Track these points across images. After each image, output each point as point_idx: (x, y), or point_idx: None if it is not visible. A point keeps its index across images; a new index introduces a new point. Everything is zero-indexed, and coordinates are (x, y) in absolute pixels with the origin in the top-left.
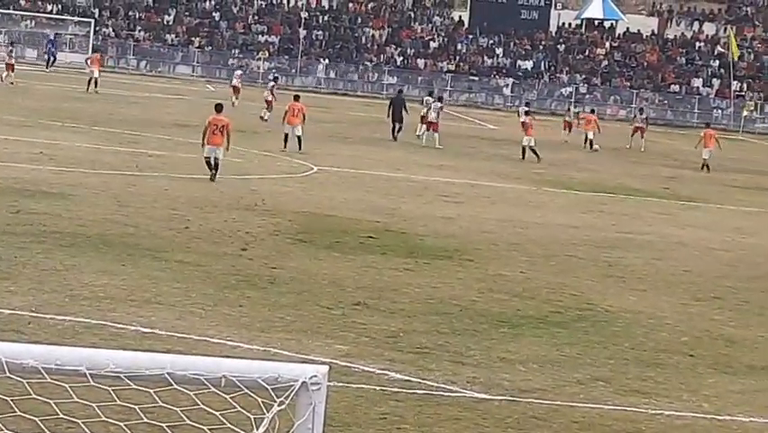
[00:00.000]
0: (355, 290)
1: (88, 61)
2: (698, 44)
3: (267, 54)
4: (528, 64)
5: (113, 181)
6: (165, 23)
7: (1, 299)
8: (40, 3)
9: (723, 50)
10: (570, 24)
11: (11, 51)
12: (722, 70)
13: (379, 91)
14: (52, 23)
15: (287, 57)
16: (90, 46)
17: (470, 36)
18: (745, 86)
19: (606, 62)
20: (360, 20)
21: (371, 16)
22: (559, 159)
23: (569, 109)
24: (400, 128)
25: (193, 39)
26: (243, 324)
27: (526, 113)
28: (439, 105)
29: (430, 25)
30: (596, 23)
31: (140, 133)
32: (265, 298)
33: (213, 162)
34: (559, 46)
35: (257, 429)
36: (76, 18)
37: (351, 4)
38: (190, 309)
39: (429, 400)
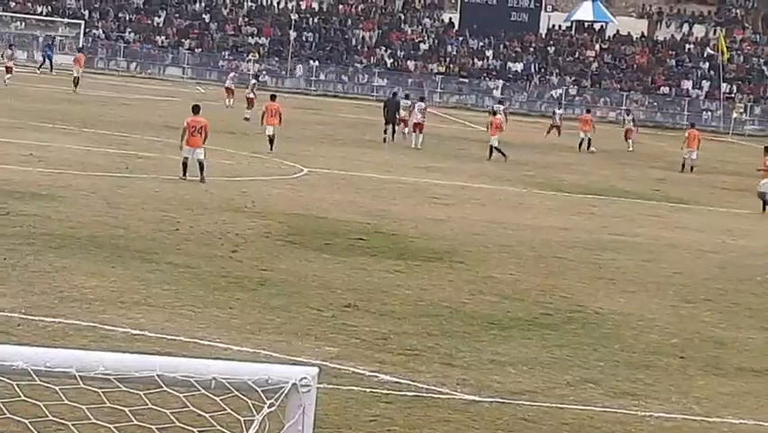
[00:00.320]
0: (345, 291)
1: (74, 61)
2: (687, 46)
3: (257, 56)
4: (518, 66)
5: (103, 183)
6: (155, 24)
7: None
8: (30, 4)
9: (713, 53)
10: (560, 26)
11: (11, 54)
12: (712, 72)
13: (369, 93)
14: (42, 24)
15: (277, 58)
16: (81, 47)
17: (461, 38)
18: (734, 88)
19: (596, 64)
20: (350, 22)
21: (361, 18)
22: (549, 161)
23: (554, 112)
24: (394, 130)
25: (183, 41)
26: (233, 326)
27: (494, 113)
28: (423, 105)
29: (420, 27)
30: (586, 25)
31: (130, 134)
32: (255, 299)
33: (198, 164)
34: (549, 48)
35: (247, 431)
36: (66, 20)
37: (341, 6)
38: (180, 311)
39: (419, 402)
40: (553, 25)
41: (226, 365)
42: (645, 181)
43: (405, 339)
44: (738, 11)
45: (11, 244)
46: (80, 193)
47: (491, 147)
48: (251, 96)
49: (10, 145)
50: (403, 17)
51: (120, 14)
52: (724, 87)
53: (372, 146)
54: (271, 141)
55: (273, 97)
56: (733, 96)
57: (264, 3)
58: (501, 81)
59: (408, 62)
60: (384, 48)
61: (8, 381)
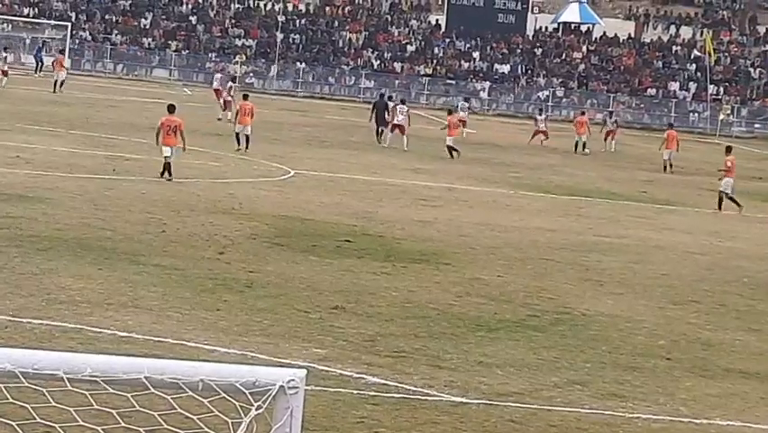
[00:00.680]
0: (332, 293)
1: (54, 63)
2: (674, 48)
3: (245, 58)
4: (505, 68)
5: (90, 185)
6: (142, 26)
7: None
8: (16, 6)
9: (699, 54)
10: (546, 28)
11: (5, 58)
12: (699, 74)
13: (356, 95)
14: (29, 27)
15: (264, 60)
16: (67, 49)
17: (447, 40)
18: (721, 89)
19: (582, 66)
20: (337, 23)
21: (348, 20)
22: (536, 162)
23: (536, 118)
24: (383, 131)
25: (170, 42)
26: (221, 328)
27: (450, 112)
28: (405, 107)
29: (407, 29)
30: (573, 26)
31: (117, 136)
32: (242, 301)
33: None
34: (536, 50)
35: None
36: (53, 22)
37: (328, 8)
38: (167, 313)
39: (406, 403)
40: (540, 27)
41: (214, 367)
42: (632, 183)
43: (392, 341)
44: (725, 12)
45: None
46: (67, 195)
47: (449, 147)
48: (229, 98)
49: None
50: (390, 19)
51: (107, 16)
52: (711, 88)
53: (359, 148)
54: (247, 140)
55: (246, 97)
56: (720, 97)
57: (251, 4)
58: (488, 83)
59: (395, 64)
60: (371, 49)
61: None
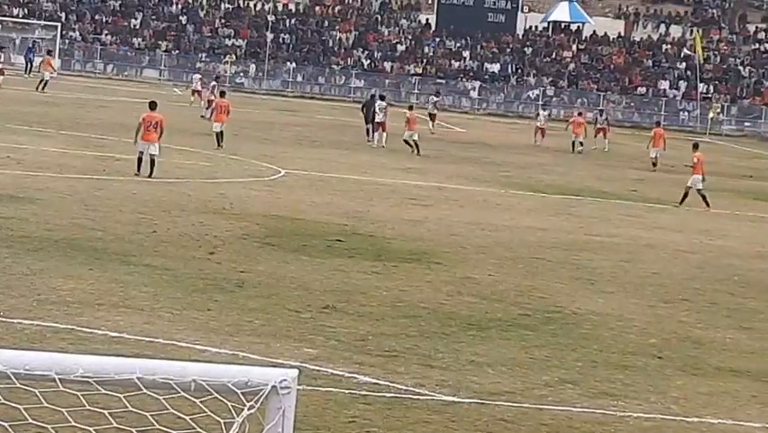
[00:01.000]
0: (323, 293)
1: (41, 63)
2: (664, 47)
3: (234, 57)
4: (495, 67)
5: (80, 185)
6: (132, 26)
7: None
8: (6, 7)
9: (689, 53)
10: (536, 27)
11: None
12: (689, 73)
13: (346, 94)
14: (19, 27)
15: (254, 60)
16: (57, 49)
17: (437, 39)
18: (711, 88)
19: (573, 65)
20: (327, 23)
21: (338, 20)
22: (526, 161)
23: (538, 114)
24: (374, 130)
25: (160, 43)
26: (212, 328)
27: (410, 107)
28: (384, 104)
29: (397, 28)
30: (562, 25)
31: (107, 136)
32: (233, 301)
33: (149, 160)
34: (526, 49)
35: None
36: (42, 22)
37: (317, 8)
38: (158, 313)
39: (398, 403)
40: (530, 26)
41: (206, 368)
42: (623, 182)
43: (383, 340)
44: (715, 11)
45: None
46: (57, 195)
47: (411, 141)
48: (212, 97)
49: None
50: (380, 18)
51: (96, 17)
52: (701, 87)
53: (350, 147)
54: (218, 138)
55: (223, 94)
56: (710, 96)
57: (241, 4)
58: (478, 82)
59: (385, 63)
60: (361, 49)
61: None
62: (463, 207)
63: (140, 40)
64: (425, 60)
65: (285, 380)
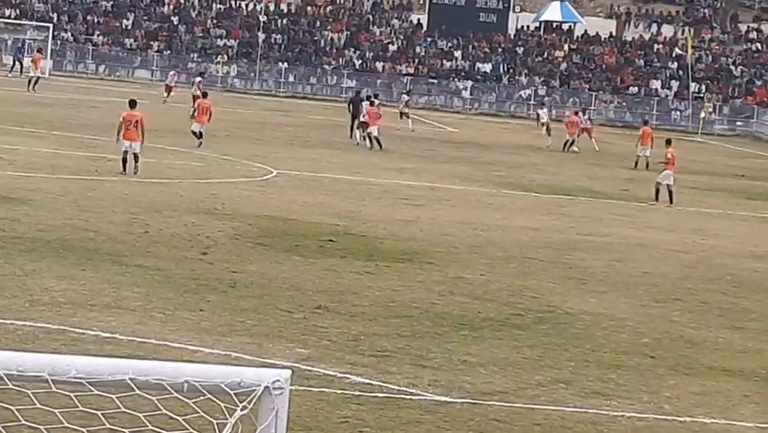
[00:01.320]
0: (316, 293)
1: (31, 62)
2: (656, 46)
3: (226, 58)
4: (487, 67)
5: (72, 186)
6: (123, 27)
7: None
8: None
9: (681, 52)
10: (528, 27)
11: None
12: (680, 72)
13: (338, 94)
14: (10, 27)
15: (245, 60)
16: (49, 50)
17: (429, 39)
18: (703, 87)
19: (564, 65)
20: (318, 23)
21: (330, 20)
22: (518, 161)
23: (537, 114)
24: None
25: (152, 43)
26: (204, 328)
27: (371, 103)
28: (368, 104)
29: (388, 28)
30: (554, 25)
31: (99, 137)
32: (225, 302)
33: (133, 157)
34: (517, 49)
35: None
36: (34, 23)
37: (309, 8)
38: (151, 314)
39: (390, 403)
40: (522, 26)
41: (199, 368)
42: (614, 181)
43: (375, 340)
44: (706, 11)
45: None
46: (50, 196)
47: (370, 137)
48: (198, 93)
49: None
50: (371, 18)
51: (88, 17)
52: (693, 86)
53: (342, 147)
54: (198, 136)
55: (205, 95)
56: (702, 95)
57: (233, 5)
58: (470, 82)
59: (377, 63)
60: (353, 49)
61: None
62: (455, 206)
63: (131, 40)
64: (416, 60)
65: (278, 380)
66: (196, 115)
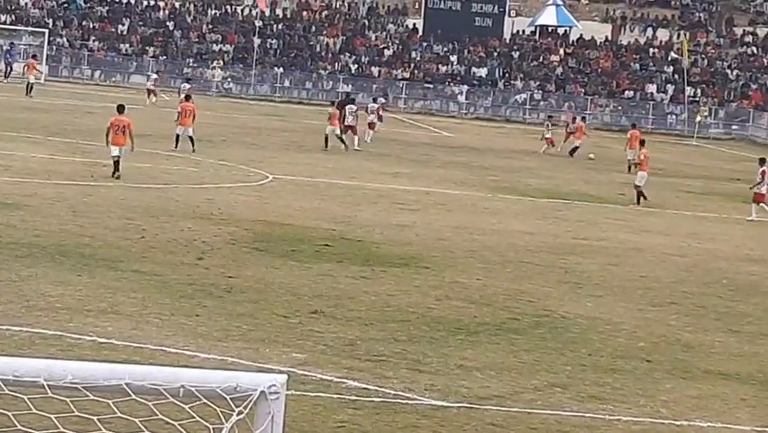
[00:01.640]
0: (312, 298)
1: (25, 68)
2: (651, 50)
3: (222, 63)
4: (483, 71)
5: (68, 191)
6: (119, 32)
7: None
8: None
9: (677, 56)
10: (523, 31)
11: None
12: (676, 76)
13: (333, 99)
14: (6, 33)
15: (241, 66)
16: (44, 55)
17: (425, 44)
18: (698, 91)
19: (560, 69)
20: (314, 28)
21: (325, 25)
22: (514, 165)
23: (547, 126)
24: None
25: (147, 48)
26: (200, 333)
27: (332, 103)
28: (354, 107)
29: (384, 33)
30: (549, 29)
31: (94, 142)
32: (222, 307)
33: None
34: (513, 53)
35: None
36: (30, 28)
37: (305, 13)
38: (147, 319)
39: (387, 407)
40: (517, 30)
41: (195, 373)
42: (610, 185)
43: (372, 345)
44: (701, 15)
45: None
46: (46, 202)
47: (326, 136)
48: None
49: None
50: (367, 23)
51: (84, 23)
52: (688, 90)
53: (337, 152)
54: (192, 141)
55: (188, 98)
56: (697, 99)
57: (228, 10)
58: (466, 87)
59: (373, 68)
60: (348, 54)
61: None
62: (451, 211)
63: (127, 46)
64: (412, 65)
65: (274, 385)
66: (179, 119)
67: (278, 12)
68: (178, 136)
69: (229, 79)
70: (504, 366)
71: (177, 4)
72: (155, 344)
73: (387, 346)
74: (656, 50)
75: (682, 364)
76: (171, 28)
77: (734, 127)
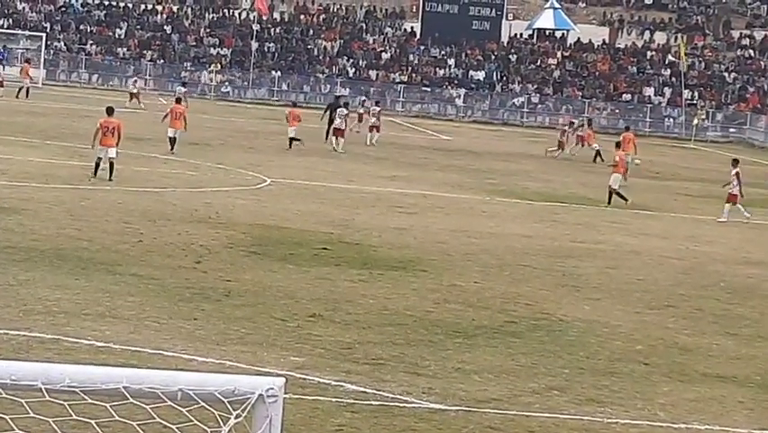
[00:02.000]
0: (310, 301)
1: (20, 71)
2: (649, 53)
3: (219, 67)
4: (480, 75)
5: (66, 195)
6: (117, 36)
7: None
8: None
9: (674, 59)
10: (521, 35)
11: None
12: (673, 79)
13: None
14: (3, 37)
15: (239, 69)
16: (42, 60)
17: (422, 47)
18: (696, 94)
19: (557, 72)
20: (311, 32)
21: (323, 28)
22: (512, 169)
23: (564, 132)
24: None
25: (145, 52)
26: (198, 337)
27: (293, 104)
28: (345, 111)
29: (382, 36)
30: (547, 33)
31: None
32: (220, 310)
33: (108, 163)
34: (511, 56)
35: None
36: (27, 32)
37: (302, 16)
38: (145, 323)
39: (385, 411)
40: (515, 34)
41: (192, 377)
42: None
43: (370, 349)
44: (699, 18)
45: None
46: (43, 206)
47: (290, 138)
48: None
49: None
50: (365, 27)
51: (81, 27)
52: (686, 93)
53: (335, 156)
54: (172, 142)
55: (178, 101)
56: (695, 102)
57: (226, 14)
58: (463, 90)
59: (370, 72)
60: (346, 57)
61: None
62: (449, 214)
63: (125, 49)
64: (410, 68)
65: (272, 388)
66: (169, 121)
67: (276, 15)
68: (170, 139)
69: (226, 83)
70: (502, 369)
71: (174, 8)
72: (153, 347)
73: (385, 350)
74: (654, 53)
75: (680, 367)
76: (169, 32)
77: (731, 130)
